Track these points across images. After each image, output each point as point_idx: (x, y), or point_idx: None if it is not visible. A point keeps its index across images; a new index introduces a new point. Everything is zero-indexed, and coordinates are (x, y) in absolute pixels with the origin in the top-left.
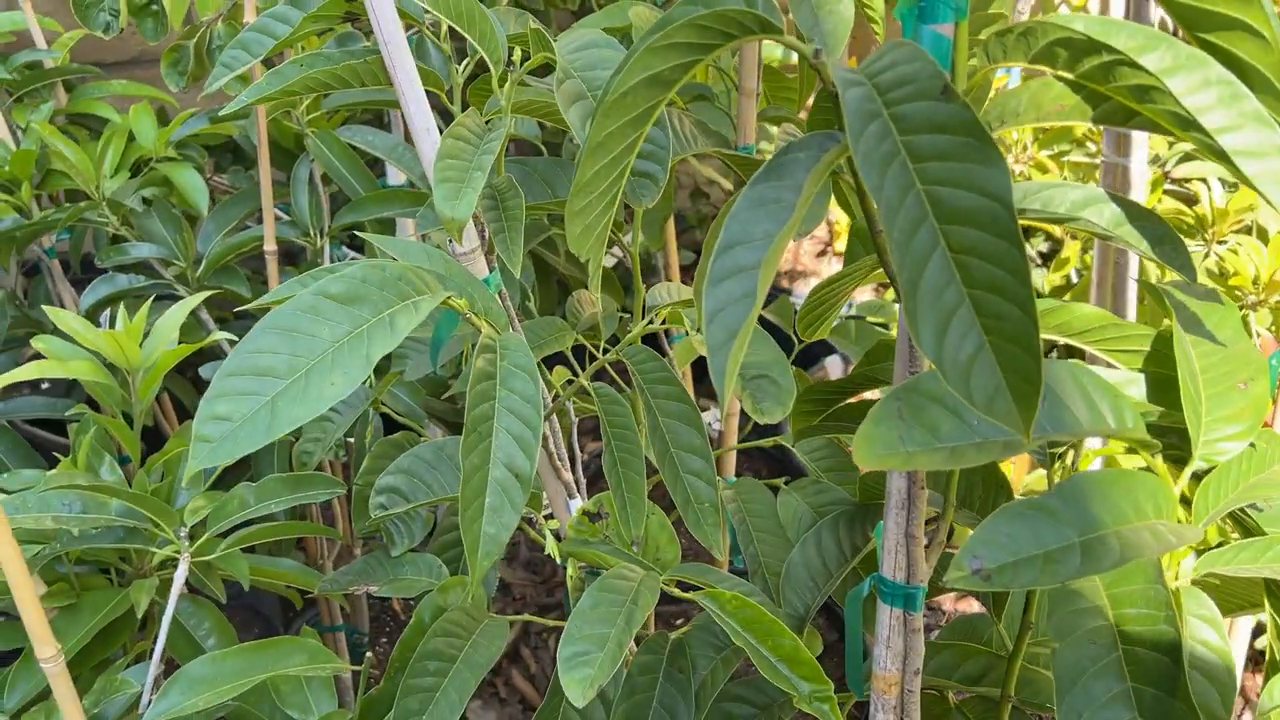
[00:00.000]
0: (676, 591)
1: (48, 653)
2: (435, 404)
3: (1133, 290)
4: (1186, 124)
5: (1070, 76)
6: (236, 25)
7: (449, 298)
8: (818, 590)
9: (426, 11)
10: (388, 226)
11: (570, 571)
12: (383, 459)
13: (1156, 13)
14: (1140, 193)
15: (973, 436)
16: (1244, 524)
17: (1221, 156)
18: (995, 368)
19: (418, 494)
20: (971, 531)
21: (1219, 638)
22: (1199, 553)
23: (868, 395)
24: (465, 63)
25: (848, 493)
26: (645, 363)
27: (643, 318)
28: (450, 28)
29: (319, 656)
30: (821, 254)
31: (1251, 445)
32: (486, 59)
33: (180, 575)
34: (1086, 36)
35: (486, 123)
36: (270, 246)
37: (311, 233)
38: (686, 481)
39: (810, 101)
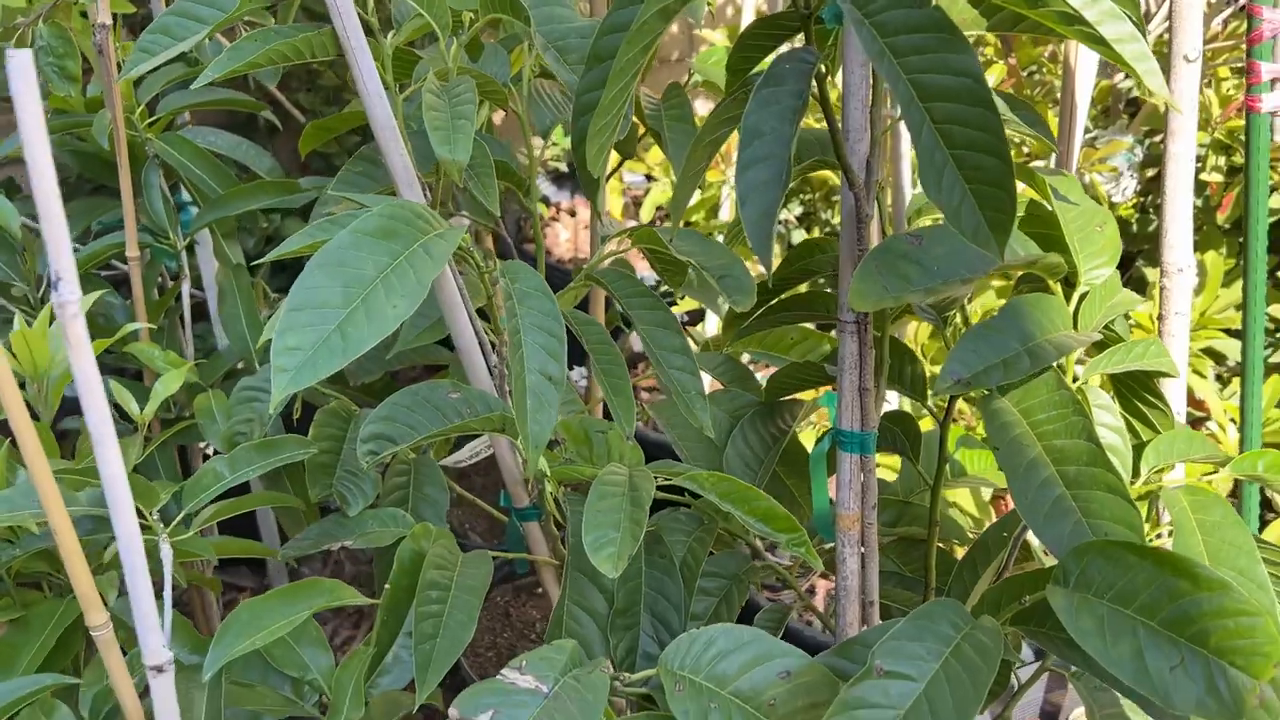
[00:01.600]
0: (660, 480)
1: (99, 619)
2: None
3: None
4: (1071, 20)
5: None
6: (60, 25)
7: (465, 231)
8: (754, 474)
9: None
10: (255, 220)
11: (549, 489)
12: (327, 426)
13: None
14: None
15: (935, 279)
16: (1110, 338)
17: (1101, 43)
18: (975, 209)
19: (403, 436)
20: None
21: (1114, 418)
22: (1079, 364)
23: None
24: (392, 33)
25: (753, 396)
26: (617, 281)
27: (602, 244)
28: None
29: (339, 592)
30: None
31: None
32: (434, 23)
33: (167, 560)
34: None
35: (441, 85)
36: (133, 252)
37: (171, 235)
38: (673, 376)
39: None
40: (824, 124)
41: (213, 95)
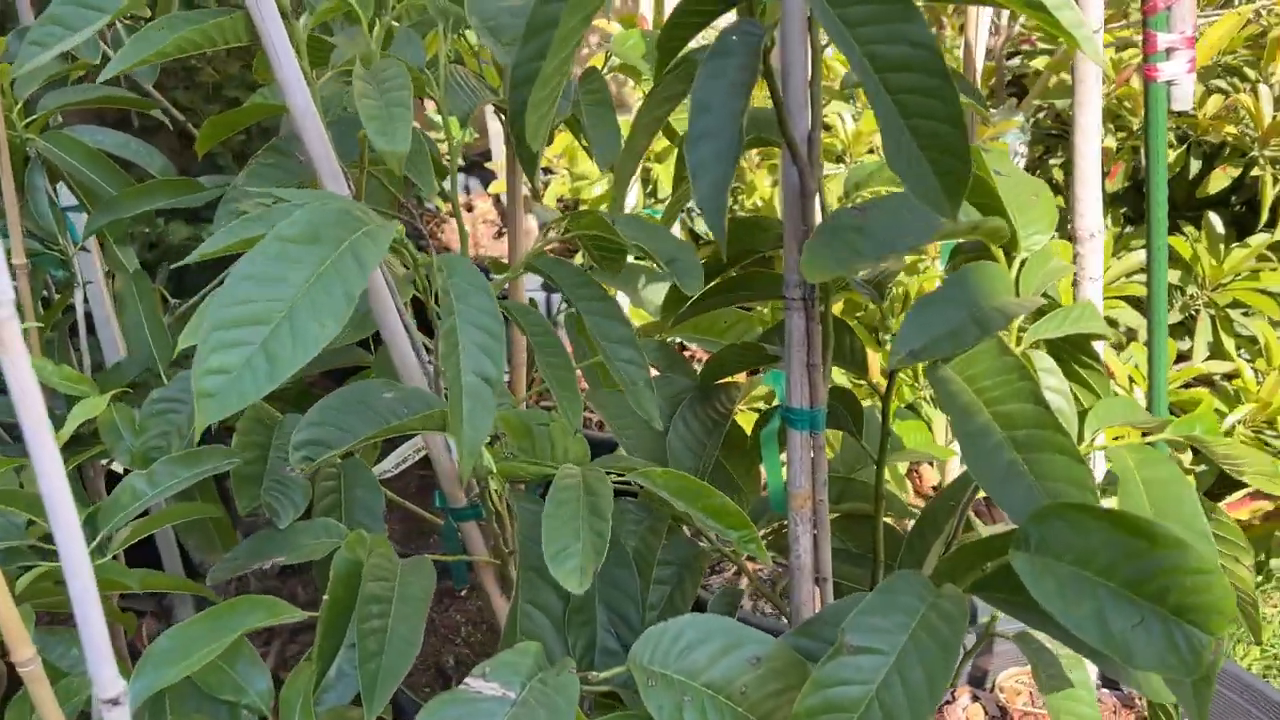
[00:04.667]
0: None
1: (26, 654)
2: None
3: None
4: None
5: None
6: None
7: (400, 226)
8: (699, 457)
9: None
10: (149, 227)
11: (494, 486)
12: (251, 435)
13: None
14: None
15: (883, 248)
16: (1047, 306)
17: (1040, 9)
18: (931, 175)
19: (338, 440)
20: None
21: (1059, 381)
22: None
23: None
24: (305, 16)
25: (690, 380)
26: (559, 269)
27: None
28: None
29: (276, 609)
30: (499, 236)
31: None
32: (355, 5)
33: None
34: None
35: (367, 70)
36: (19, 260)
37: (61, 241)
38: (621, 368)
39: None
40: (762, 101)
41: (97, 93)
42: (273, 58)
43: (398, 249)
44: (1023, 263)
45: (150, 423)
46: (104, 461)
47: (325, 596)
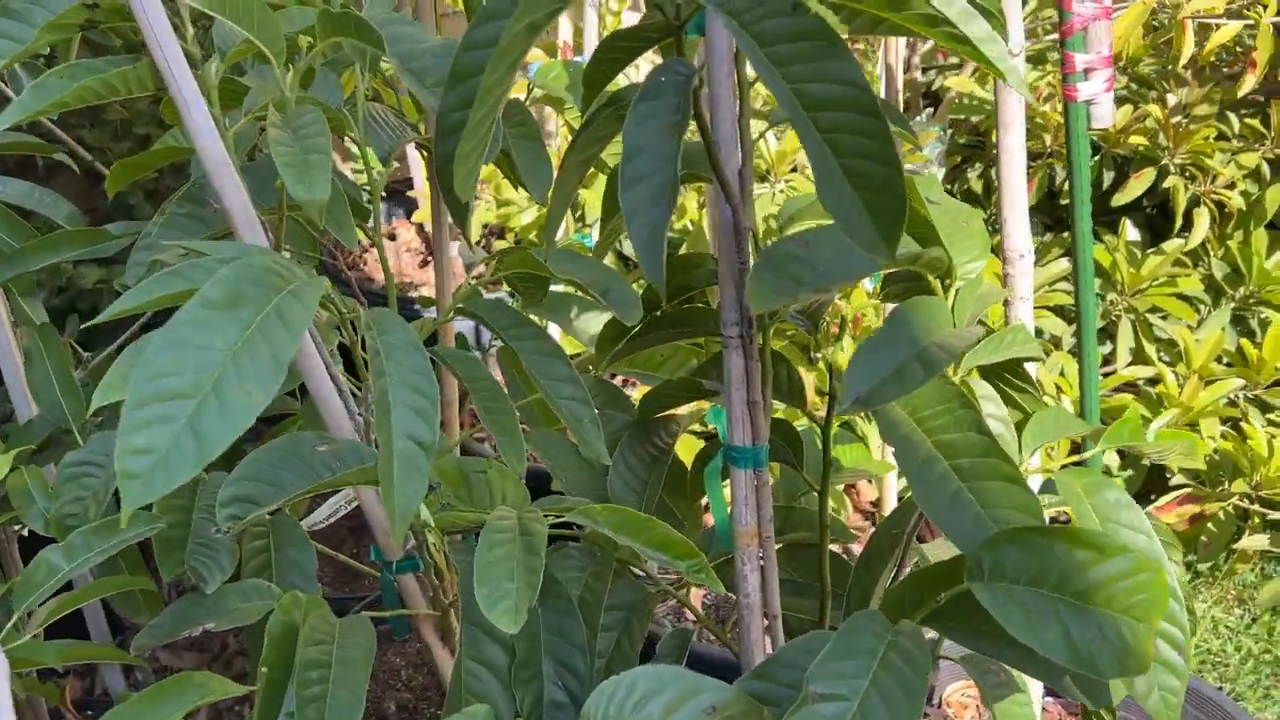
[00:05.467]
0: (551, 519)
1: None
2: None
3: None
4: (935, 21)
5: None
6: None
7: (327, 283)
8: (640, 496)
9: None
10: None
11: (431, 539)
12: (175, 498)
13: None
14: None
15: (824, 279)
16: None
17: (965, 43)
18: (866, 217)
19: (269, 497)
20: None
21: (999, 408)
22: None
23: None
24: (215, 61)
25: (627, 417)
26: (493, 311)
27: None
28: (195, 25)
29: (211, 686)
30: (424, 264)
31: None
32: (266, 50)
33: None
34: None
35: (282, 116)
36: None
37: None
38: (564, 406)
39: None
40: (694, 137)
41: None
42: (181, 107)
43: (326, 304)
44: (957, 291)
45: (66, 487)
46: (16, 527)
47: (261, 667)
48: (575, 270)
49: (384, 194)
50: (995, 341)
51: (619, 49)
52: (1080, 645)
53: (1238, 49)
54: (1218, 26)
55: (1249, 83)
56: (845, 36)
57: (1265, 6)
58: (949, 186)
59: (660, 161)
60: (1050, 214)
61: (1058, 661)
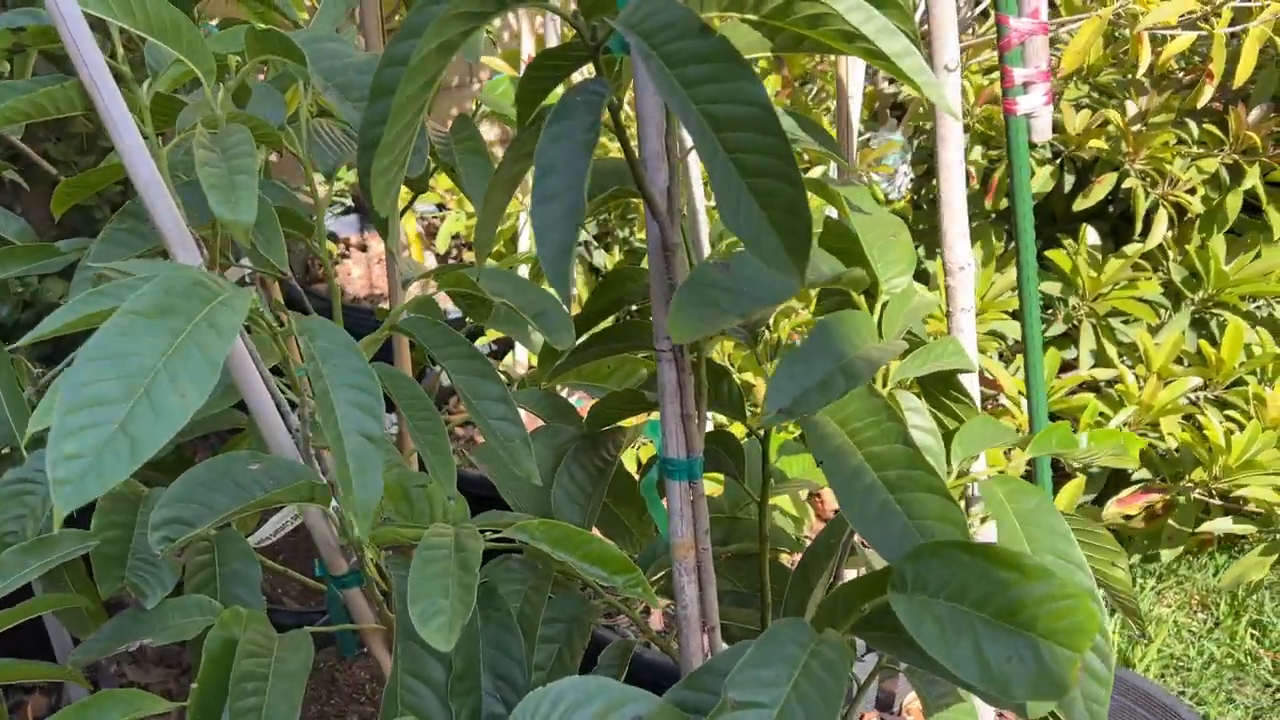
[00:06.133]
0: (489, 535)
1: None
2: None
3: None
4: (852, 38)
5: (755, 17)
6: None
7: (255, 294)
8: (584, 510)
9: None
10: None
11: (370, 555)
12: (113, 514)
13: None
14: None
15: (747, 304)
16: (912, 342)
17: (882, 58)
18: (774, 235)
19: (201, 518)
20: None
21: (925, 419)
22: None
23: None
24: (148, 82)
25: (575, 429)
26: (426, 330)
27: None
28: (125, 46)
29: (136, 701)
30: None
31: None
32: (196, 70)
33: None
34: None
35: (212, 135)
36: None
37: None
38: (495, 426)
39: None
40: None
41: None
42: (110, 127)
43: (254, 319)
44: (884, 305)
45: (5, 505)
46: None
47: (194, 682)
48: (508, 292)
49: (355, 206)
50: (925, 353)
51: (547, 67)
52: (993, 664)
53: (1195, 58)
54: (1173, 37)
55: (1207, 92)
56: (771, 54)
57: (1218, 16)
58: (915, 195)
59: (571, 180)
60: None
61: (966, 680)
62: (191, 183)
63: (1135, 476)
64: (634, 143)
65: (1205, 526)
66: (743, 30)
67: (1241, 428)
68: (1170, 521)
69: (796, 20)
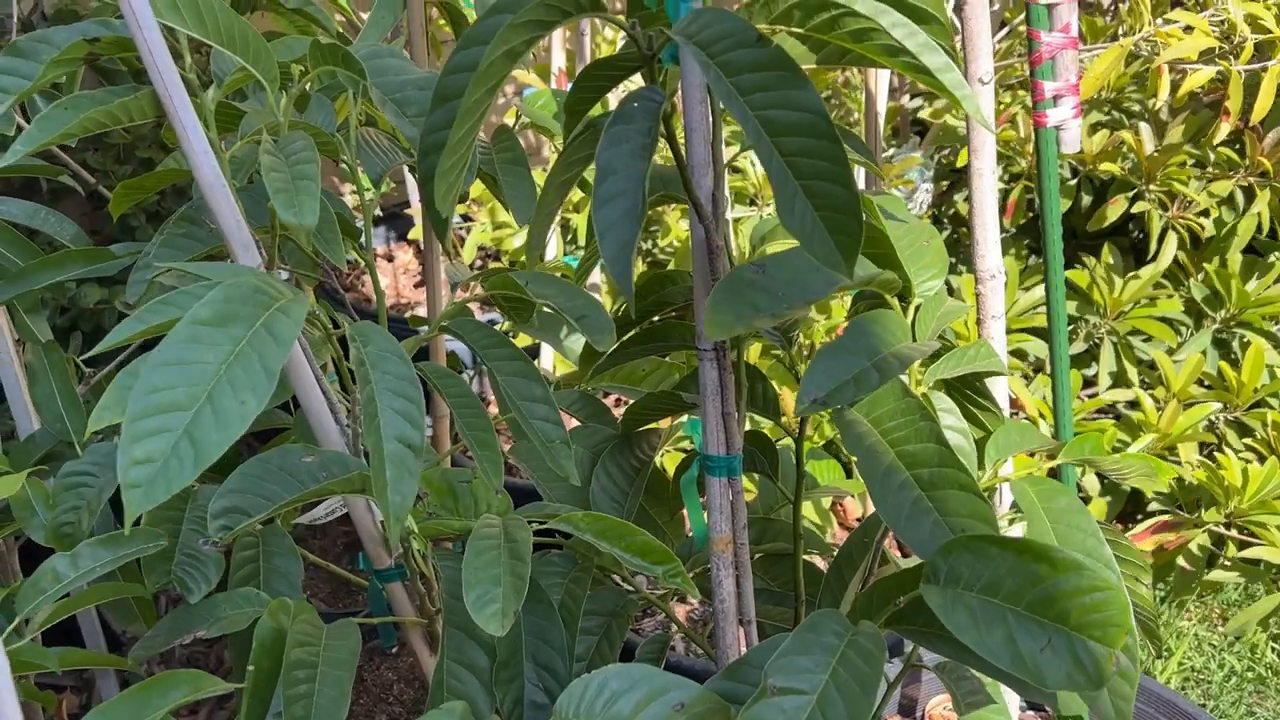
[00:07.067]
0: (533, 527)
1: None
2: None
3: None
4: (895, 52)
5: (801, 30)
6: None
7: (312, 299)
8: (621, 507)
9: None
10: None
11: (417, 546)
12: (165, 509)
13: None
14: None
15: (782, 304)
16: (944, 346)
17: (925, 73)
18: (826, 234)
19: (258, 508)
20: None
21: (958, 420)
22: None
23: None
24: (214, 88)
25: (611, 430)
26: (473, 331)
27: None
28: (194, 54)
29: (200, 682)
30: (419, 285)
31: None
32: (262, 79)
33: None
34: None
35: (275, 141)
36: None
37: None
38: (537, 427)
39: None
40: (670, 160)
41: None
42: (180, 132)
43: (311, 320)
44: (917, 308)
45: (62, 497)
46: (15, 537)
47: (250, 666)
48: (552, 294)
49: (382, 216)
50: (958, 355)
51: (599, 77)
52: (1026, 654)
53: (1216, 80)
54: (1194, 70)
55: (1223, 130)
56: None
57: (1236, 56)
58: (936, 210)
59: (631, 182)
60: (1036, 236)
61: (1000, 666)
62: (246, 190)
63: (1151, 507)
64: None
65: (1213, 576)
66: (789, 44)
67: (1262, 458)
68: (1180, 561)
69: (842, 34)
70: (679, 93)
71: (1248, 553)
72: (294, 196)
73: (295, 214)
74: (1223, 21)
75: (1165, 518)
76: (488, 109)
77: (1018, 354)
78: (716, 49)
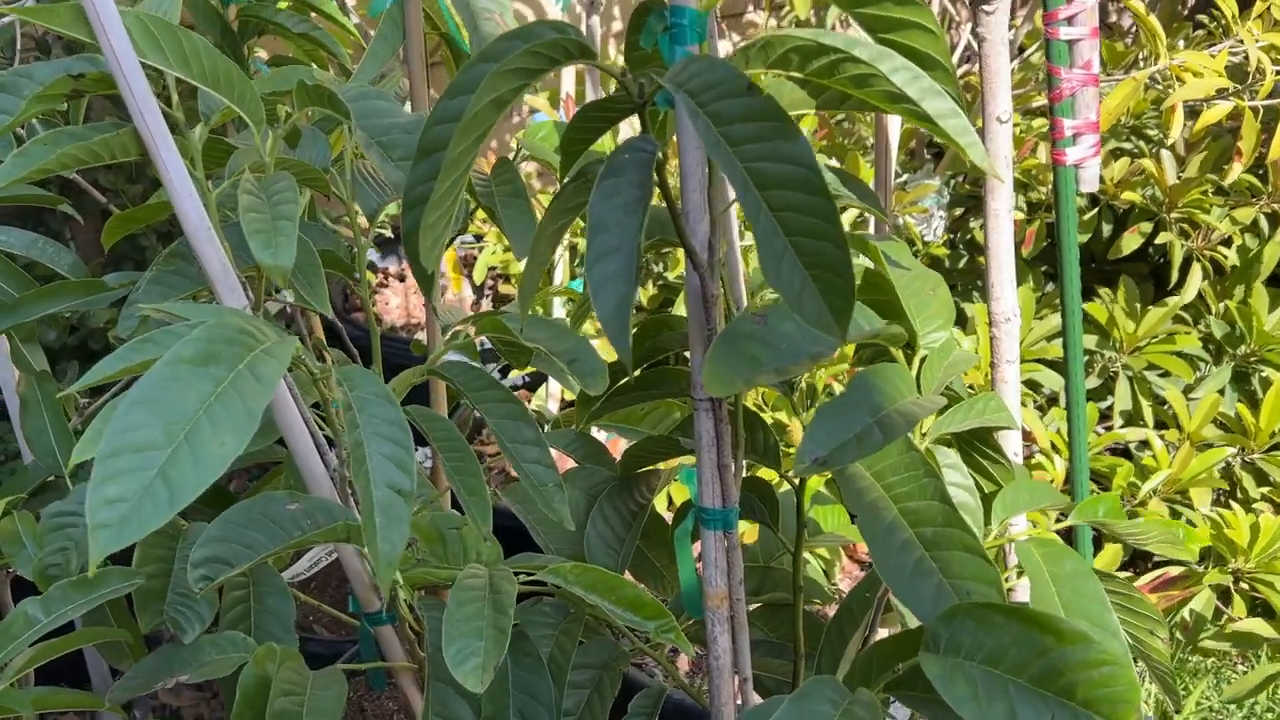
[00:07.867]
0: (522, 577)
1: None
2: None
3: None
4: (897, 99)
5: (800, 75)
6: None
7: (298, 343)
8: (616, 554)
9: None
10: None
11: (404, 596)
12: (154, 548)
13: None
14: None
15: (784, 359)
16: (951, 397)
17: (927, 120)
18: (817, 295)
19: (240, 558)
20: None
21: (963, 477)
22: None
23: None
24: (200, 127)
25: (609, 471)
26: (463, 375)
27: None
28: (181, 93)
29: None
30: None
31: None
32: (247, 119)
33: None
34: (816, 43)
35: (257, 180)
36: None
37: None
38: (529, 470)
39: None
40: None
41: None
42: (163, 173)
43: (296, 362)
44: (923, 359)
45: (50, 537)
46: (8, 570)
47: (233, 717)
48: (544, 338)
49: (394, 237)
50: (965, 408)
51: (594, 119)
52: None
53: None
54: (1208, 105)
55: (1236, 170)
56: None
57: (1254, 94)
58: (952, 237)
59: (624, 238)
60: (1053, 264)
61: None
62: (235, 224)
63: (1157, 558)
64: (677, 199)
65: (1205, 644)
66: (788, 88)
67: (1277, 509)
68: (1184, 615)
69: (842, 80)
70: (677, 134)
71: (1240, 625)
72: (272, 237)
73: (272, 254)
74: (1242, 53)
75: (1170, 570)
76: (474, 159)
77: (1030, 384)
78: (705, 97)
